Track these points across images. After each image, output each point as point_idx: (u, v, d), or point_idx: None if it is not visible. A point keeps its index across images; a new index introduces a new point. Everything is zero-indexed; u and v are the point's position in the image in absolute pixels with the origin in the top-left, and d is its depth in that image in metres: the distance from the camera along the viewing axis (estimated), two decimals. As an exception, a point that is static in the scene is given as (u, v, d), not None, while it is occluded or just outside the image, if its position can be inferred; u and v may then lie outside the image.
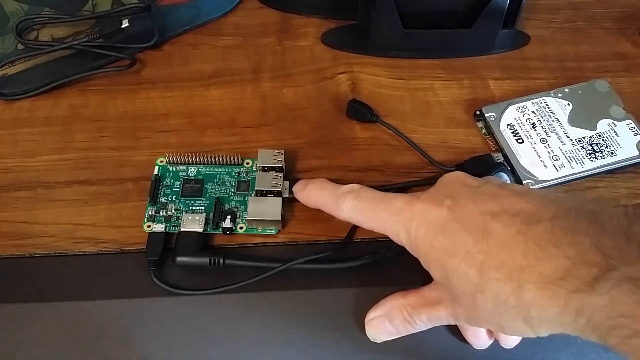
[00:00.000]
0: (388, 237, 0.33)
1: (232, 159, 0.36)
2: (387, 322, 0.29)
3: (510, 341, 0.29)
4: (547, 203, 0.25)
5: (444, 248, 0.25)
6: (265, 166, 0.34)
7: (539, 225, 0.23)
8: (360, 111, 0.38)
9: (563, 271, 0.22)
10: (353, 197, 0.30)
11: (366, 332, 0.30)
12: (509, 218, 0.24)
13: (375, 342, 0.30)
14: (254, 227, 0.33)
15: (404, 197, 0.28)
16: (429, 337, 0.30)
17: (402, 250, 0.28)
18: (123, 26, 0.42)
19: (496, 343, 0.30)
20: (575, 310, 0.22)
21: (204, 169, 0.36)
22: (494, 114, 0.38)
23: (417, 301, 0.28)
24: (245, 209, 0.34)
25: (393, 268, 0.32)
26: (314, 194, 0.32)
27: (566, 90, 0.39)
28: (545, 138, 0.37)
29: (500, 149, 0.37)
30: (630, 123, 0.37)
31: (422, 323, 0.28)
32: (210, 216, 0.34)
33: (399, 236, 0.28)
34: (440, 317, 0.28)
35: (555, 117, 0.38)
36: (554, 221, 0.23)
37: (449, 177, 0.29)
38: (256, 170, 0.35)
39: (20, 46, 0.43)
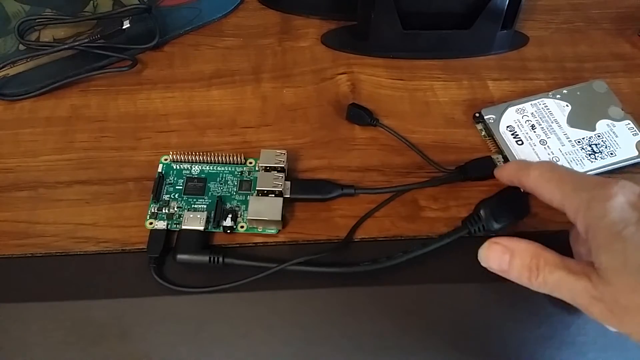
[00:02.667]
0: (389, 238, 0.33)
1: (235, 158, 0.36)
2: (507, 255, 0.27)
3: None
4: None
5: (635, 241, 0.23)
6: (267, 166, 0.34)
7: None
8: (360, 115, 0.38)
9: None
10: (545, 166, 0.29)
11: (480, 249, 0.29)
12: None
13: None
14: (255, 226, 0.34)
15: (598, 177, 0.27)
16: (430, 336, 0.30)
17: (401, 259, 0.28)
18: (124, 27, 0.42)
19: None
20: None
21: (207, 168, 0.36)
22: (493, 116, 0.38)
23: (556, 260, 0.26)
24: (247, 209, 0.34)
25: (393, 269, 0.32)
26: (508, 165, 0.32)
27: (565, 91, 0.39)
28: (544, 139, 0.37)
29: (500, 151, 0.37)
30: (629, 123, 0.37)
31: (544, 283, 0.26)
32: (212, 215, 0.34)
33: (577, 212, 0.26)
34: (575, 290, 0.25)
35: (554, 118, 0.38)
36: None
37: None
38: (258, 170, 0.35)
39: (21, 47, 0.43)
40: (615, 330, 0.28)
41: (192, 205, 0.34)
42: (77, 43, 0.42)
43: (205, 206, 0.34)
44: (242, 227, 0.34)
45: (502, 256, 0.28)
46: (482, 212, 0.32)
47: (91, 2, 0.45)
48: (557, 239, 0.31)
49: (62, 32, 0.44)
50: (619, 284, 0.24)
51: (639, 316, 0.23)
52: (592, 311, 0.25)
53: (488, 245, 0.28)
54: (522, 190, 0.32)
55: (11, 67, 0.42)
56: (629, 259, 0.23)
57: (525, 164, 0.30)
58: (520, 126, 0.37)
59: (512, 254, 0.27)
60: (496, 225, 0.32)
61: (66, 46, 0.42)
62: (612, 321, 0.25)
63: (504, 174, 0.32)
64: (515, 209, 0.32)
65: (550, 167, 0.29)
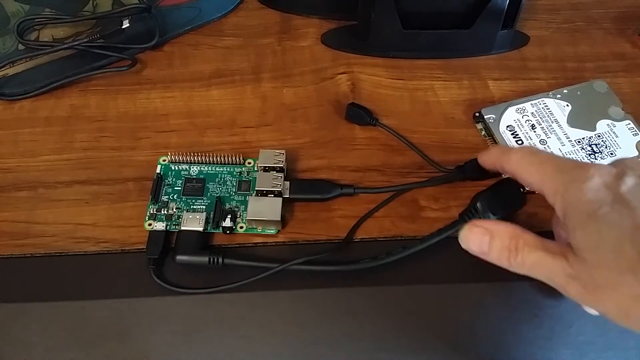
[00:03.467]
0: (389, 238, 0.33)
1: (233, 158, 0.36)
2: (488, 237, 0.27)
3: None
4: None
5: (610, 220, 0.24)
6: (266, 166, 0.34)
7: None
8: (359, 114, 0.38)
9: None
10: (525, 150, 0.29)
11: (460, 231, 0.29)
12: None
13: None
14: (254, 226, 0.34)
15: (577, 161, 0.27)
16: (430, 336, 0.30)
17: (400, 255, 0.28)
18: (124, 27, 0.42)
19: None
20: None
21: (205, 168, 0.36)
22: (493, 116, 0.38)
23: (535, 241, 0.26)
24: (246, 209, 0.34)
25: (393, 268, 0.32)
26: (490, 150, 0.32)
27: (565, 91, 0.39)
28: (544, 139, 0.37)
29: (499, 150, 0.37)
30: (629, 123, 0.37)
31: (522, 264, 0.26)
32: (211, 215, 0.34)
33: (556, 194, 0.26)
34: (552, 269, 0.25)
35: (554, 118, 0.38)
36: None
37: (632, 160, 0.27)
38: (257, 170, 0.35)
39: (21, 46, 0.43)
40: (594, 313, 0.28)
41: (191, 206, 0.34)
42: (76, 43, 0.41)
43: (204, 207, 0.34)
44: (241, 227, 0.34)
45: (482, 238, 0.28)
46: (478, 204, 0.32)
47: (91, 1, 0.45)
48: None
49: (61, 32, 0.44)
50: (593, 262, 0.24)
51: (614, 294, 0.23)
52: (568, 290, 0.25)
53: (468, 228, 0.28)
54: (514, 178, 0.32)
55: (10, 67, 0.42)
56: (603, 237, 0.24)
57: (507, 149, 0.30)
58: (520, 126, 0.37)
59: (492, 236, 0.27)
60: (493, 217, 0.32)
61: (65, 46, 0.42)
62: (588, 300, 0.25)
63: (487, 159, 0.32)
64: (511, 200, 0.33)
65: (531, 151, 0.29)
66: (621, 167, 0.26)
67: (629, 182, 0.25)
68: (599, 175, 0.25)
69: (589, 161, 0.36)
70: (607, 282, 0.23)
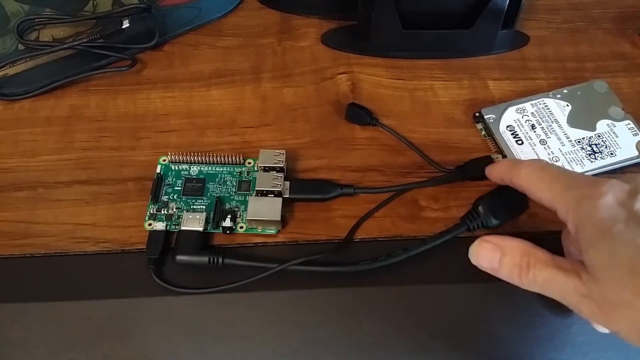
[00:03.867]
0: (389, 238, 0.33)
1: (233, 158, 0.36)
2: (499, 254, 0.27)
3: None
4: None
5: (624, 238, 0.23)
6: (266, 166, 0.34)
7: None
8: (359, 114, 0.38)
9: None
10: (535, 165, 0.29)
11: (470, 247, 0.28)
12: None
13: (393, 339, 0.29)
14: (254, 226, 0.34)
15: (589, 176, 0.27)
16: (430, 337, 0.30)
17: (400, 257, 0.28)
18: (124, 27, 0.42)
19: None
20: None
21: (205, 168, 0.36)
22: (493, 116, 0.38)
23: (546, 258, 0.26)
24: (246, 209, 0.34)
25: (393, 269, 0.32)
26: (498, 164, 0.32)
27: (565, 91, 0.39)
28: (544, 139, 0.37)
29: (500, 151, 0.37)
30: (629, 123, 0.37)
31: (534, 281, 0.26)
32: (211, 215, 0.34)
33: (567, 211, 0.26)
34: (565, 287, 0.25)
35: (554, 118, 0.38)
36: None
37: None
38: (257, 170, 0.35)
39: (21, 46, 0.43)
40: (604, 331, 0.28)
41: (191, 206, 0.34)
42: (76, 43, 0.41)
43: (204, 207, 0.34)
44: (241, 227, 0.34)
45: (493, 254, 0.27)
46: (480, 208, 0.32)
47: (91, 1, 0.45)
48: (557, 238, 0.31)
49: (61, 32, 0.44)
50: (606, 281, 0.24)
51: (628, 313, 0.23)
52: (581, 309, 0.25)
53: (478, 244, 0.28)
54: None
55: (10, 67, 0.42)
56: (617, 255, 0.23)
57: (516, 163, 0.30)
58: (520, 126, 0.37)
59: (503, 252, 0.27)
60: (495, 221, 0.32)
61: (65, 46, 0.42)
62: (601, 319, 0.25)
63: (495, 173, 0.32)
64: (513, 205, 0.33)
65: (541, 166, 0.29)
66: (635, 184, 0.25)
67: None
68: (612, 192, 0.25)
69: (608, 177, 0.34)
70: (621, 301, 0.23)
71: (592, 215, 0.25)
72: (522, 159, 0.35)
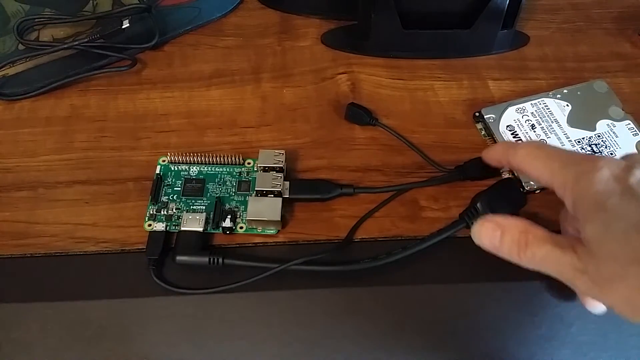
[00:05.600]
0: (389, 238, 0.33)
1: (233, 158, 0.36)
2: (499, 232, 0.28)
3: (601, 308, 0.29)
4: None
5: (618, 211, 0.24)
6: (266, 166, 0.34)
7: None
8: (359, 114, 0.38)
9: None
10: (532, 145, 0.29)
11: (472, 227, 0.29)
12: None
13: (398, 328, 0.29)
14: (254, 227, 0.34)
15: (584, 154, 0.27)
16: (430, 336, 0.30)
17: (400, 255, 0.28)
18: (124, 27, 0.42)
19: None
20: None
21: (205, 169, 0.36)
22: (493, 116, 0.38)
23: (543, 235, 0.26)
24: (246, 209, 0.34)
25: (393, 268, 0.32)
26: (495, 146, 0.32)
27: (565, 91, 0.39)
28: (544, 139, 0.37)
29: (499, 150, 0.37)
30: (629, 124, 0.37)
31: (532, 258, 0.26)
32: (211, 216, 0.34)
33: (565, 187, 0.26)
34: (561, 263, 0.25)
35: (554, 118, 0.38)
36: None
37: None
38: (257, 170, 0.35)
39: (21, 46, 0.43)
40: (598, 312, 0.28)
41: (191, 207, 0.34)
42: (76, 43, 0.41)
43: (204, 207, 0.34)
44: (241, 227, 0.34)
45: (494, 233, 0.28)
46: (478, 205, 0.32)
47: (91, 1, 0.45)
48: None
49: (61, 32, 0.44)
50: (601, 254, 0.24)
51: (621, 286, 0.23)
52: (577, 284, 0.25)
53: (480, 223, 0.28)
54: (514, 178, 0.32)
55: (10, 67, 0.42)
56: (611, 228, 0.23)
57: (513, 144, 0.30)
58: (520, 126, 0.37)
59: (503, 230, 0.27)
60: None
61: (65, 46, 0.42)
62: (595, 293, 0.25)
63: (492, 156, 0.32)
64: (512, 200, 0.33)
65: (537, 146, 0.29)
66: (631, 160, 0.26)
67: (638, 174, 0.24)
68: (608, 167, 0.25)
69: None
70: (614, 274, 0.23)
71: (588, 189, 0.25)
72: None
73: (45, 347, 0.31)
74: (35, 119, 0.40)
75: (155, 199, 0.35)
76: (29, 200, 0.35)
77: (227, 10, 0.46)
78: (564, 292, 0.30)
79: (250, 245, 0.34)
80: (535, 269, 0.27)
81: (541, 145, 0.29)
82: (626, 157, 0.26)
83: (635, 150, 0.36)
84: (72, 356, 0.30)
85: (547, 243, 0.26)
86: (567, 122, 0.37)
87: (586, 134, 0.37)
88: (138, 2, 0.45)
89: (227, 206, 0.34)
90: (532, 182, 0.34)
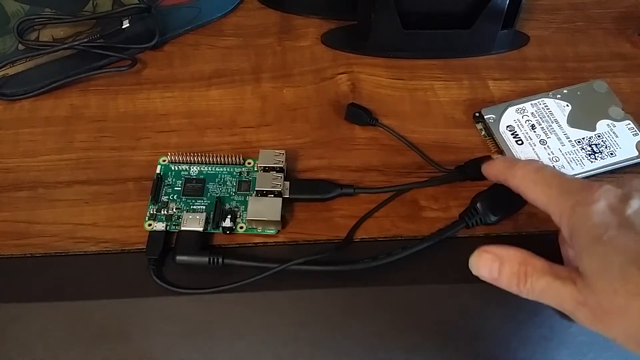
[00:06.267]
0: (389, 238, 0.33)
1: (233, 158, 0.36)
2: (497, 263, 0.27)
3: None
4: None
5: (615, 244, 0.24)
6: (266, 166, 0.34)
7: None
8: (359, 114, 0.38)
9: None
10: (530, 166, 0.29)
11: (470, 258, 0.29)
12: None
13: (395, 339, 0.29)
14: (254, 227, 0.34)
15: (582, 181, 0.27)
16: (430, 336, 0.30)
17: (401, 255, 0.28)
18: (124, 27, 0.42)
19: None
20: None
21: (205, 169, 0.36)
22: (493, 116, 0.38)
23: (543, 266, 0.26)
24: (246, 209, 0.34)
25: (393, 268, 0.32)
26: (495, 162, 0.32)
27: (565, 91, 0.39)
28: (544, 139, 0.37)
29: (500, 151, 0.37)
30: (629, 124, 0.37)
31: (532, 290, 0.26)
32: (211, 215, 0.34)
33: (562, 216, 0.26)
34: (561, 295, 0.25)
35: (554, 118, 0.38)
36: None
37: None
38: (257, 170, 0.35)
39: (21, 46, 0.43)
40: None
41: (191, 207, 0.34)
42: (76, 43, 0.41)
43: (204, 207, 0.34)
44: (241, 227, 0.34)
45: (492, 264, 0.28)
46: (478, 205, 0.32)
47: (91, 1, 0.45)
48: (557, 238, 0.31)
49: (61, 32, 0.44)
50: (600, 287, 0.24)
51: (621, 319, 0.23)
52: (577, 316, 0.25)
53: (478, 254, 0.28)
54: None
55: (10, 67, 0.42)
56: (610, 262, 0.23)
57: (512, 163, 0.30)
58: (520, 126, 0.37)
59: (502, 262, 0.27)
60: (493, 218, 0.32)
61: (65, 46, 0.42)
62: (597, 325, 0.25)
63: (491, 171, 0.32)
64: (511, 201, 0.33)
65: (536, 168, 0.29)
66: (627, 189, 0.25)
67: (634, 205, 0.24)
68: (605, 198, 0.25)
69: (610, 177, 0.35)
70: (615, 307, 0.23)
71: (585, 222, 0.25)
72: (519, 158, 0.35)
73: (45, 347, 0.31)
74: (35, 119, 0.40)
75: (155, 198, 0.35)
76: (29, 200, 0.35)
77: (227, 10, 0.46)
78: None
79: (250, 245, 0.34)
80: (536, 300, 0.26)
81: (540, 168, 0.29)
82: (622, 185, 0.26)
83: (635, 151, 0.36)
84: (72, 356, 0.30)
85: (546, 275, 0.26)
86: (567, 122, 0.37)
87: (586, 134, 0.37)
88: (138, 2, 0.45)
89: (227, 206, 0.34)
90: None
